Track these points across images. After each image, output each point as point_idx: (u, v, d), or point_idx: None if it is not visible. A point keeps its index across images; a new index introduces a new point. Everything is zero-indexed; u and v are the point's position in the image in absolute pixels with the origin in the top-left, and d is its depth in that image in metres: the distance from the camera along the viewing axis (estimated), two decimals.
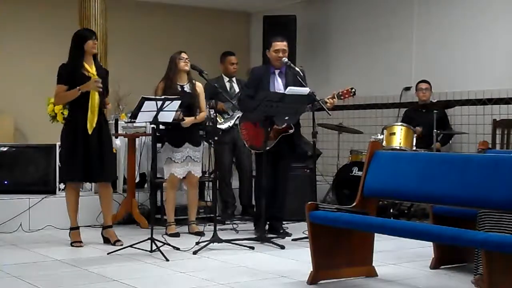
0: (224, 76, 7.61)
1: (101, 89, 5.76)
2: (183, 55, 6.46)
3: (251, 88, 6.39)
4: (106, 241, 6.03)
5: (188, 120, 6.34)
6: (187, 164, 6.45)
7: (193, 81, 6.51)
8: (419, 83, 7.95)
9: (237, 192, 7.72)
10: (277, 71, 6.44)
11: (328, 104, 6.24)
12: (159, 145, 7.00)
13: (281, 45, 6.39)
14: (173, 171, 6.42)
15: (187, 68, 6.43)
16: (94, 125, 5.79)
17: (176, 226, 6.53)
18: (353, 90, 6.35)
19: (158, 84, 6.46)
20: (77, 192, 6.02)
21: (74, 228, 5.99)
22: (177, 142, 6.42)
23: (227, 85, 7.54)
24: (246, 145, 6.45)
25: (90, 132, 5.78)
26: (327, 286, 4.54)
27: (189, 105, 6.34)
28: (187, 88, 6.47)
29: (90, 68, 5.82)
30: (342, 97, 6.34)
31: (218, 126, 7.15)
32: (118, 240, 5.97)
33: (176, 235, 6.39)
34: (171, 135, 6.39)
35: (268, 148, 6.17)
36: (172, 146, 6.42)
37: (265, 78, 6.39)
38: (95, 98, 5.78)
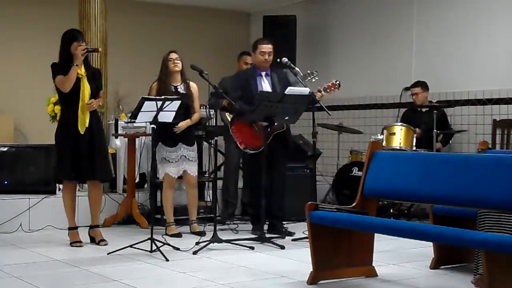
0: None
1: (84, 51, 5.77)
2: (172, 55, 6.45)
3: (237, 89, 6.41)
4: (93, 240, 6.05)
5: (183, 125, 6.35)
6: (181, 163, 6.44)
7: (188, 82, 6.50)
8: (412, 87, 7.93)
9: (239, 191, 7.71)
10: (263, 73, 6.50)
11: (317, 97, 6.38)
12: None
13: (267, 47, 6.47)
14: (168, 170, 6.41)
15: (177, 68, 6.43)
16: (87, 125, 5.80)
17: (176, 226, 6.54)
18: (337, 82, 6.62)
19: (152, 85, 6.46)
20: (73, 192, 6.02)
21: (72, 228, 6.01)
22: (170, 142, 6.41)
23: None
24: (241, 147, 6.38)
25: (82, 132, 5.79)
26: (327, 286, 4.54)
27: (184, 106, 6.34)
28: (180, 88, 6.46)
29: (79, 69, 5.80)
30: (328, 90, 6.55)
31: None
32: (103, 240, 6.00)
33: (178, 235, 6.39)
34: (165, 135, 6.35)
35: (263, 147, 6.19)
36: (165, 146, 6.41)
37: (252, 79, 6.43)
38: (85, 98, 5.80)
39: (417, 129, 7.53)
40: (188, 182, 6.55)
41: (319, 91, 6.46)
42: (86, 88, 5.81)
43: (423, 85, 7.85)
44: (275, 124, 6.25)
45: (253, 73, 6.53)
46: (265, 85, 6.45)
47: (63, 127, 5.87)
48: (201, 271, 4.97)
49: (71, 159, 5.80)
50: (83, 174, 5.91)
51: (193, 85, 6.55)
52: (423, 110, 7.82)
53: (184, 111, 6.32)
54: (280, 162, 6.53)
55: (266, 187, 6.24)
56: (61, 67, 5.80)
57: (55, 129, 6.08)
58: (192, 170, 6.50)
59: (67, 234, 6.07)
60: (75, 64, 5.73)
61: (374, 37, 9.19)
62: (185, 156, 6.45)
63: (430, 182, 4.29)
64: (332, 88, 6.55)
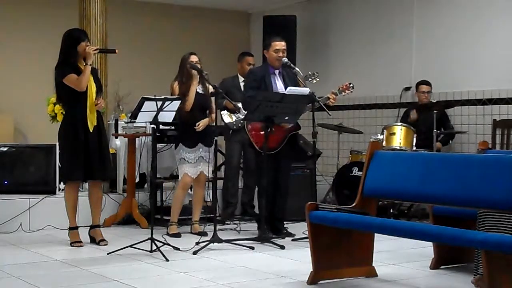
0: (240, 76, 7.59)
1: (96, 51, 5.96)
2: (192, 58, 6.42)
3: (254, 88, 6.36)
4: (93, 240, 6.05)
5: (203, 123, 6.40)
6: (199, 164, 6.46)
7: (205, 82, 6.48)
8: (420, 85, 7.91)
9: (239, 192, 7.71)
10: (276, 72, 6.45)
11: (331, 100, 6.37)
12: (160, 145, 7.02)
13: (281, 45, 6.40)
14: (187, 171, 6.42)
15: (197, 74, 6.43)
16: (95, 123, 5.82)
17: (177, 227, 6.54)
18: (351, 85, 6.59)
19: (173, 85, 6.45)
20: (76, 192, 6.03)
21: (73, 228, 6.01)
22: (191, 143, 6.43)
23: (241, 85, 7.49)
24: (257, 147, 6.31)
25: (91, 130, 5.81)
26: (327, 286, 4.54)
27: (202, 107, 6.38)
28: (199, 89, 6.47)
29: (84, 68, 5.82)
30: (342, 93, 6.56)
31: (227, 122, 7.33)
32: (103, 240, 6.00)
33: (177, 235, 6.39)
34: (185, 136, 6.40)
35: (279, 148, 6.20)
36: (186, 147, 6.43)
37: (267, 78, 6.39)
38: (92, 96, 5.81)
39: (413, 112, 7.62)
40: (199, 181, 6.55)
41: (333, 93, 6.45)
42: (92, 87, 5.85)
43: (430, 84, 7.86)
44: (290, 125, 6.26)
45: (267, 71, 6.45)
46: (279, 84, 6.39)
47: (71, 127, 5.84)
48: (201, 271, 4.97)
49: (84, 158, 5.81)
50: (93, 173, 5.90)
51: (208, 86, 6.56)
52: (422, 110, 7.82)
53: (202, 111, 6.40)
54: (287, 164, 6.51)
55: (271, 188, 6.26)
56: (70, 67, 5.80)
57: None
58: (207, 170, 6.49)
59: (67, 234, 6.06)
60: (88, 63, 5.77)
61: (374, 37, 9.19)
62: (203, 157, 6.46)
63: (430, 182, 4.29)
64: (347, 90, 6.55)
